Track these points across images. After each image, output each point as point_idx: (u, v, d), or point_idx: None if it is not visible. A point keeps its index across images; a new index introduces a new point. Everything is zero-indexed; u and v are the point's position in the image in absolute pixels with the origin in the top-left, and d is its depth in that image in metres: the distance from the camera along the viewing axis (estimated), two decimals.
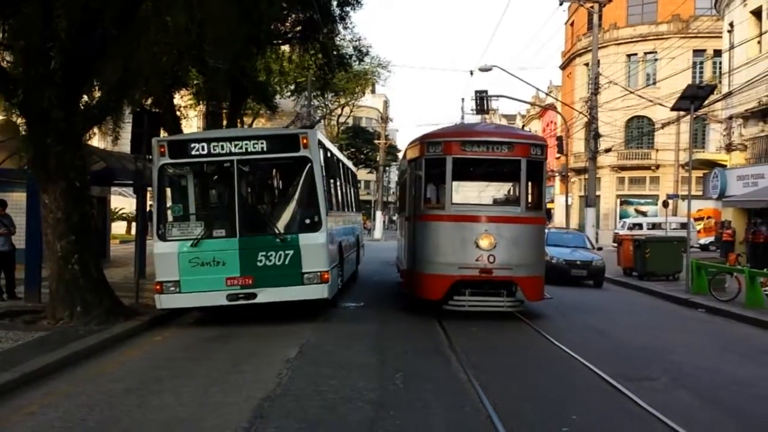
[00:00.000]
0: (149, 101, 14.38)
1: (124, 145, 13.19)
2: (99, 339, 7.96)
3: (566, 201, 33.57)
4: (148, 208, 15.04)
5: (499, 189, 12.42)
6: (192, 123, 28.27)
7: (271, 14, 15.07)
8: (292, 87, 33.90)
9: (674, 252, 16.96)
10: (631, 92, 32.73)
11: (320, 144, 10.28)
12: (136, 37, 9.60)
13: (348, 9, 18.91)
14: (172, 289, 9.14)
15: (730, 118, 24.73)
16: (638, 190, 41.32)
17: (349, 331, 9.40)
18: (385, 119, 53.73)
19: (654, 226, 32.68)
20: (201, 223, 9.47)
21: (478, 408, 5.66)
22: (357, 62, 29.73)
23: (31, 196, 10.25)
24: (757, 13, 22.88)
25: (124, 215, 31.49)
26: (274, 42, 19.35)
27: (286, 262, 9.27)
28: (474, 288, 10.20)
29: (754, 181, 22.29)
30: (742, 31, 23.54)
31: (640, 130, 39.63)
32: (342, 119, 50.94)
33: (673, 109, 16.27)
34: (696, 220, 31.65)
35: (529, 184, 10.62)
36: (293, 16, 18.18)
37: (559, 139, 34.07)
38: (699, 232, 32.62)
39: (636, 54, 40.12)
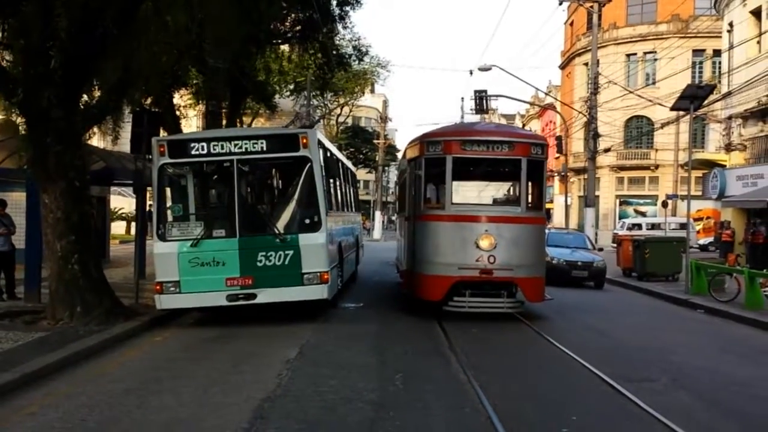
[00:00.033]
0: (149, 101, 14.37)
1: (124, 145, 13.16)
2: (99, 339, 7.96)
3: (565, 201, 33.59)
4: (147, 208, 15.04)
5: (500, 189, 12.40)
6: (191, 123, 28.28)
7: (270, 14, 15.07)
8: (292, 87, 33.88)
9: (674, 252, 16.96)
10: (631, 92, 32.74)
11: (320, 144, 10.27)
12: (136, 36, 9.59)
13: (347, 8, 18.93)
14: (172, 289, 9.13)
15: (730, 118, 24.74)
16: (637, 190, 41.34)
17: (349, 331, 9.40)
18: (384, 119, 53.78)
19: (653, 226, 32.67)
20: (201, 223, 9.47)
21: (478, 409, 5.66)
22: (356, 62, 29.77)
23: (31, 195, 10.24)
24: (756, 13, 22.89)
25: (123, 215, 31.49)
26: (274, 41, 19.34)
27: (286, 263, 9.27)
28: (474, 289, 10.18)
29: (753, 181, 22.29)
30: (742, 31, 23.55)
31: (639, 130, 39.64)
32: (341, 119, 50.92)
33: (672, 109, 16.27)
34: (695, 220, 31.64)
35: (530, 183, 10.60)
36: (293, 15, 18.19)
37: (559, 138, 34.07)
38: (698, 232, 32.62)
39: (635, 54, 40.14)
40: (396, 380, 6.55)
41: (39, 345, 7.50)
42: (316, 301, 9.66)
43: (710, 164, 27.97)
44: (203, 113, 20.22)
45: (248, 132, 12.33)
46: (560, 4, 26.95)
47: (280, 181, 11.93)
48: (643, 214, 39.24)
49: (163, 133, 13.77)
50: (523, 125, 60.47)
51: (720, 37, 28.37)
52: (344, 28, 21.14)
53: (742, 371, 7.64)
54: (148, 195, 14.42)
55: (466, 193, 11.99)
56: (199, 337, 8.91)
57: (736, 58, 24.09)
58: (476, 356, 7.78)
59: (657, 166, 39.51)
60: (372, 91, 55.17)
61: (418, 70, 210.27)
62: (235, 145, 9.35)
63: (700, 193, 28.20)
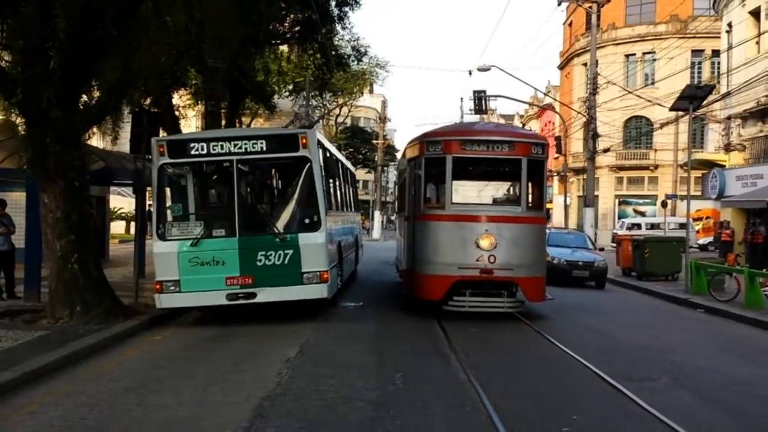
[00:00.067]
0: (148, 101, 14.37)
1: (124, 145, 13.18)
2: (99, 338, 7.95)
3: (565, 201, 33.59)
4: (147, 208, 15.03)
5: (500, 188, 12.37)
6: (191, 123, 28.25)
7: (269, 14, 15.08)
8: (291, 87, 33.88)
9: (673, 252, 16.97)
10: (630, 92, 32.73)
11: (319, 144, 10.27)
12: (136, 37, 9.59)
13: (346, 9, 18.97)
14: (171, 288, 9.13)
15: (729, 118, 24.76)
16: (637, 190, 41.34)
17: (348, 330, 9.40)
18: (383, 119, 53.82)
19: (653, 226, 32.67)
20: (200, 223, 9.46)
21: (479, 408, 5.65)
22: (355, 62, 29.75)
23: (31, 195, 10.24)
24: (755, 14, 22.91)
25: (123, 215, 31.49)
26: (273, 42, 19.36)
27: (286, 262, 9.26)
28: (474, 288, 10.16)
29: (753, 181, 22.31)
30: (741, 31, 23.57)
31: (638, 130, 39.64)
32: (340, 119, 50.95)
33: (671, 109, 16.28)
34: (695, 220, 31.65)
35: (530, 183, 10.59)
36: (292, 16, 18.20)
37: (558, 139, 34.05)
38: (698, 232, 32.63)
39: (634, 54, 40.14)
40: (396, 379, 6.54)
41: (39, 344, 7.49)
42: (316, 301, 9.67)
43: (709, 164, 28.00)
44: (202, 113, 20.25)
45: (248, 132, 12.34)
46: (559, 4, 26.94)
47: (279, 181, 11.93)
48: (643, 214, 39.23)
49: (162, 134, 13.77)
50: (522, 125, 60.46)
51: (719, 37, 28.39)
52: (343, 28, 21.22)
53: (743, 371, 7.65)
54: (147, 195, 14.43)
55: (466, 192, 11.98)
56: (198, 336, 8.91)
57: (735, 59, 24.11)
58: (476, 355, 7.77)
59: (656, 166, 39.53)
60: (371, 91, 55.19)
61: (417, 70, 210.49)
62: (235, 145, 9.35)
63: (699, 193, 28.18)
